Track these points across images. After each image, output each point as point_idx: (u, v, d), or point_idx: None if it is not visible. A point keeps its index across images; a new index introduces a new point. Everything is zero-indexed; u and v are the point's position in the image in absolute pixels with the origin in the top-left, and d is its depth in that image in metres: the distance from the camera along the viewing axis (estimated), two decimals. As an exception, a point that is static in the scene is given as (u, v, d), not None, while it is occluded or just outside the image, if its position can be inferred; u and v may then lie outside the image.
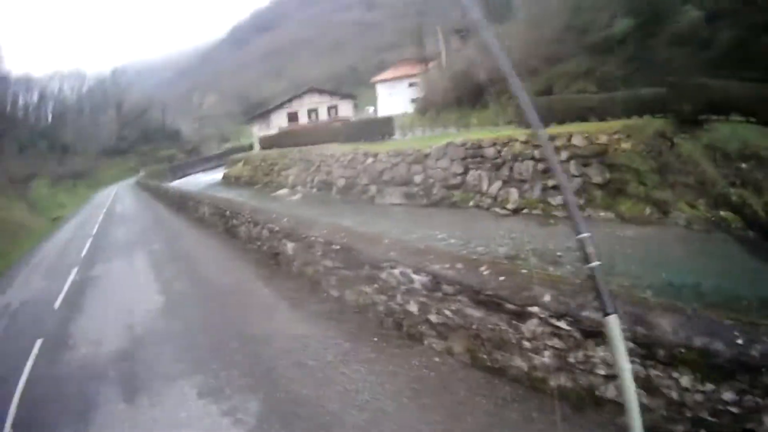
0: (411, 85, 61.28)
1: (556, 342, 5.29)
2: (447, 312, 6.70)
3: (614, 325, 2.98)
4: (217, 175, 67.00)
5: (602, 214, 21.97)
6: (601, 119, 25.65)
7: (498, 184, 26.25)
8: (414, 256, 7.56)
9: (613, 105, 26.33)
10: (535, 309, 5.44)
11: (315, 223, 11.69)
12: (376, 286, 8.30)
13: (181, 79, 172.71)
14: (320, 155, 41.21)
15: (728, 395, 4.04)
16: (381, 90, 67.25)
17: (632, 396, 2.93)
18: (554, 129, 24.95)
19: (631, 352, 4.12)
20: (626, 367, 2.96)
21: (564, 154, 23.51)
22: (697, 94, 22.79)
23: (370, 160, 34.25)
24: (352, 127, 46.00)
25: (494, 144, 26.85)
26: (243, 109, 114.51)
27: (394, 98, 62.60)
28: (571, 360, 5.17)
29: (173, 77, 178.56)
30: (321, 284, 10.41)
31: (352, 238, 9.43)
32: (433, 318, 6.97)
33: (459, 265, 6.69)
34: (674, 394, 4.36)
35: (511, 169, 25.72)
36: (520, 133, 25.98)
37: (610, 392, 4.84)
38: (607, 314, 3.00)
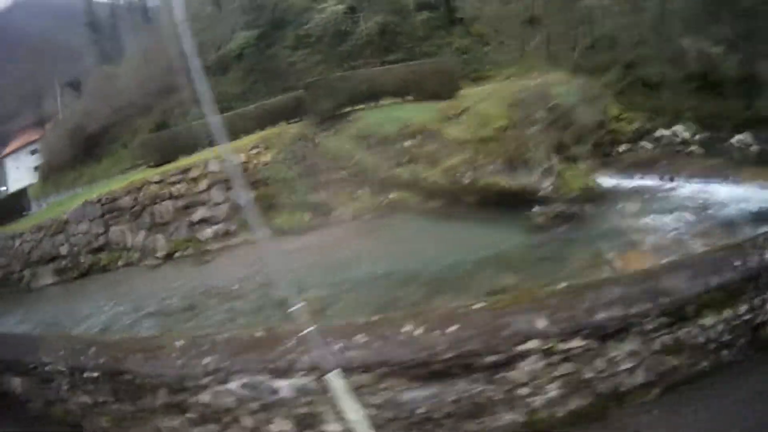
0: (33, 152, 57.67)
1: (566, 367, 4.34)
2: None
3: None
4: None
5: (258, 234, 19.84)
6: (233, 139, 24.67)
7: (142, 234, 23.84)
8: (245, 353, 5.29)
9: (245, 121, 25.95)
10: (530, 344, 4.31)
11: (35, 340, 8.25)
12: (190, 415, 5.62)
13: None
14: None
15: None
16: (9, 165, 62.67)
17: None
18: (187, 160, 24.12)
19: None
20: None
21: (203, 184, 22.45)
22: (337, 89, 23.29)
23: (17, 242, 30.05)
24: None
25: (128, 192, 24.43)
26: None
27: (20, 171, 58.31)
28: (589, 375, 4.39)
29: None
30: (85, 429, 7.02)
31: (113, 353, 6.52)
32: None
33: (359, 338, 4.79)
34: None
35: (152, 214, 23.57)
36: (152, 173, 24.41)
37: (633, 380, 4.40)
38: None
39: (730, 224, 15.69)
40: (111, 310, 18.76)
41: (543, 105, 22.87)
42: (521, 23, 33.27)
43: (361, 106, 23.99)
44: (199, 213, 22.20)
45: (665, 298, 4.36)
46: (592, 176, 20.59)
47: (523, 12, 33.62)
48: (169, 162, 26.05)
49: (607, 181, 20.92)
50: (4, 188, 61.44)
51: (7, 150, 64.07)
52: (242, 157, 22.25)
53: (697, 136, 26.23)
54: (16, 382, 8.04)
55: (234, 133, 25.01)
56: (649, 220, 16.83)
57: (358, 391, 4.40)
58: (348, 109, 23.46)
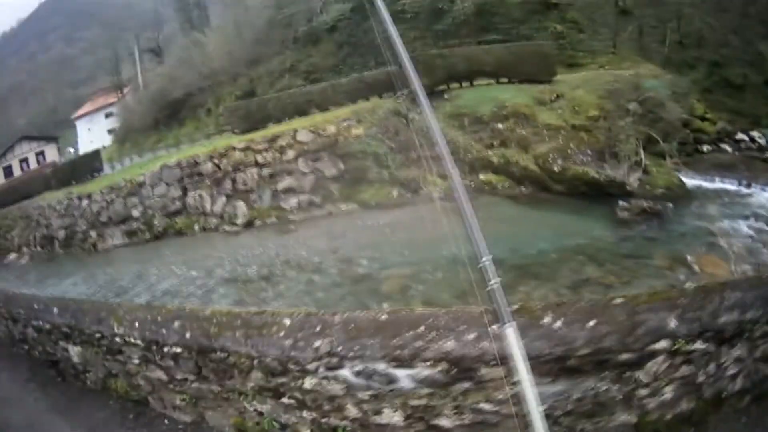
0: (108, 116, 57.94)
1: (684, 370, 4.32)
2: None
3: (512, 336, 3.58)
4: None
5: (343, 207, 20.83)
6: (323, 110, 24.82)
7: (222, 200, 23.40)
8: (364, 337, 4.73)
9: (337, 93, 25.63)
10: (660, 344, 4.16)
11: (106, 308, 7.40)
12: (286, 401, 5.32)
13: None
14: (37, 208, 36.34)
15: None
16: (80, 127, 63.46)
17: (534, 406, 3.48)
18: (273, 129, 23.83)
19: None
20: (526, 376, 3.51)
21: (291, 153, 22.03)
22: (434, 66, 22.93)
23: (85, 202, 29.81)
24: (62, 171, 41.77)
25: (211, 158, 23.99)
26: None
27: (93, 133, 59.10)
28: (701, 379, 4.40)
29: None
30: (151, 405, 6.93)
31: (204, 327, 5.84)
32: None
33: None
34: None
35: (234, 180, 23.20)
36: (237, 140, 23.92)
37: (733, 386, 4.49)
38: (504, 325, 3.63)
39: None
40: (183, 274, 18.22)
41: (635, 97, 22.41)
42: (614, 13, 33.02)
43: (456, 84, 23.71)
44: (285, 182, 21.84)
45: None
46: (677, 174, 20.13)
47: (615, 2, 33.41)
48: (255, 130, 25.67)
49: (690, 180, 20.43)
50: (72, 150, 62.35)
51: (80, 112, 64.76)
52: (333, 129, 21.83)
53: (774, 143, 25.77)
54: (74, 351, 7.93)
55: (325, 105, 25.24)
56: (725, 224, 16.22)
57: (486, 384, 4.28)
58: (443, 87, 23.05)
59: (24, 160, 61.62)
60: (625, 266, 12.77)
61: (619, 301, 4.23)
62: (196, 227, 23.96)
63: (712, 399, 4.34)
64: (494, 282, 3.88)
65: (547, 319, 4.18)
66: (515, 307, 4.22)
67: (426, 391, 4.38)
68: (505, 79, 24.08)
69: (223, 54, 34.02)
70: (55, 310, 8.22)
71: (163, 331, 6.09)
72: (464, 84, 24.12)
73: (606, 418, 4.31)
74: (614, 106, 22.12)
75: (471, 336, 4.18)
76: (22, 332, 9.68)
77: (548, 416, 3.91)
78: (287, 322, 5.07)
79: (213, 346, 5.51)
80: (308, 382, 4.88)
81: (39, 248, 34.14)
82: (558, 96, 22.82)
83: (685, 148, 22.86)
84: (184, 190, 24.81)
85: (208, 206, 23.81)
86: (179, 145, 35.10)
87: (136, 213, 26.47)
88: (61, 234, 31.48)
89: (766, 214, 17.69)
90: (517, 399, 3.93)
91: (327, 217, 20.22)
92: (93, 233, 28.59)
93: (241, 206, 22.66)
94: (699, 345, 4.12)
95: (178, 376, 6.22)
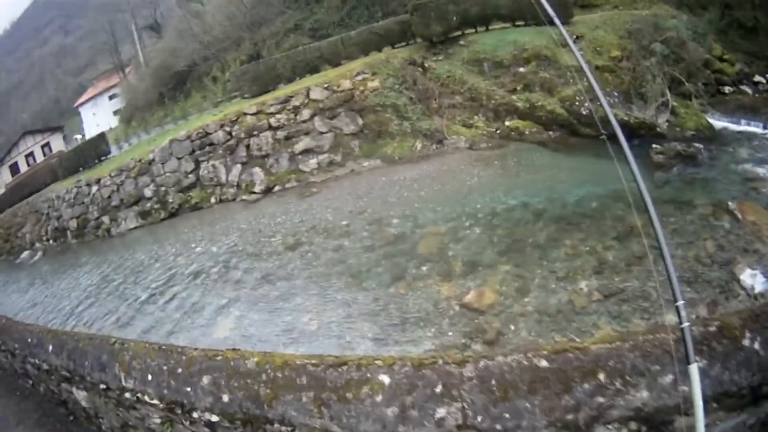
0: (112, 97, 58.03)
1: None
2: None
3: (695, 374, 3.05)
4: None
5: (366, 163, 20.20)
6: (335, 65, 24.24)
7: (237, 168, 22.67)
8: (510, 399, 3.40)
9: (347, 47, 25.02)
10: None
11: (107, 348, 5.87)
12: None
13: None
14: (47, 200, 35.96)
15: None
16: (85, 112, 63.46)
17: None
18: (284, 89, 23.21)
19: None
20: (701, 415, 2.98)
21: (306, 113, 21.31)
22: (447, 12, 22.38)
23: (94, 188, 29.11)
24: (68, 159, 40.93)
25: (222, 126, 23.22)
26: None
27: (98, 117, 59.07)
28: None
29: None
30: None
31: (255, 388, 4.25)
32: None
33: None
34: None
35: (248, 146, 22.45)
36: (248, 105, 23.13)
37: None
38: (689, 363, 3.07)
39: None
40: (203, 252, 17.61)
41: (657, 37, 21.77)
42: None
43: (472, 30, 22.95)
44: (303, 143, 21.18)
45: None
46: (704, 115, 19.70)
47: None
48: (266, 93, 24.96)
49: (716, 122, 19.82)
50: (79, 136, 61.89)
51: (82, 99, 64.73)
52: (348, 84, 21.15)
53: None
54: (81, 395, 6.57)
55: (336, 60, 24.64)
56: (761, 169, 15.73)
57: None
58: (458, 33, 22.40)
59: (30, 155, 61.57)
60: (667, 213, 12.38)
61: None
62: (213, 200, 23.30)
63: None
64: (686, 324, 3.13)
65: (746, 341, 3.34)
66: (713, 328, 3.43)
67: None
68: (521, 22, 23.14)
69: (223, 20, 33.62)
70: (50, 347, 7.01)
71: (188, 390, 4.56)
72: (480, 29, 23.32)
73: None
74: (637, 46, 21.59)
75: (667, 379, 3.24)
76: (21, 367, 8.55)
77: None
78: (386, 379, 3.64)
79: (267, 416, 3.97)
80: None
81: (52, 241, 34.00)
82: (578, 37, 21.85)
83: (708, 89, 22.16)
84: (197, 163, 24.02)
85: (223, 176, 23.13)
86: (187, 117, 34.50)
87: (148, 192, 25.80)
88: (73, 224, 31.12)
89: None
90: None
91: (350, 175, 19.61)
92: (105, 218, 28.02)
93: (257, 173, 21.96)
94: None
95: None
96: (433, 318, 10.10)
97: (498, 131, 19.84)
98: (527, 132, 19.63)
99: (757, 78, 25.34)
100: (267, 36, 33.62)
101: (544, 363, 3.36)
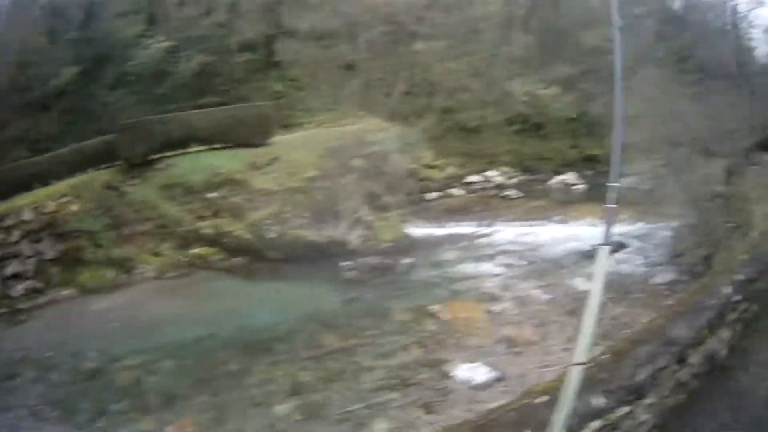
0: None
1: None
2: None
3: (603, 254, 3.64)
4: None
5: (64, 292, 19.38)
6: (45, 184, 22.98)
7: None
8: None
9: (60, 166, 24.10)
10: None
11: None
12: None
13: None
14: None
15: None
16: None
17: (591, 321, 3.39)
18: (1, 206, 21.83)
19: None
20: (598, 295, 3.46)
21: (16, 234, 20.42)
22: (150, 133, 22.52)
23: None
24: None
25: None
26: None
27: None
28: None
29: None
30: None
31: None
32: None
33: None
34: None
35: None
36: None
37: None
38: (602, 245, 3.65)
39: (558, 264, 16.83)
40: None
41: (359, 153, 23.51)
42: (339, 68, 33.21)
43: (174, 152, 23.27)
44: (12, 267, 19.77)
45: None
46: (404, 226, 21.13)
47: (340, 57, 33.56)
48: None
49: (419, 230, 21.31)
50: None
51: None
52: (53, 206, 20.89)
53: (514, 180, 27.82)
54: None
55: (47, 179, 23.36)
56: (469, 267, 17.40)
57: None
58: (159, 155, 22.66)
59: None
60: (365, 326, 13.26)
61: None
62: None
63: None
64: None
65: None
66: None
67: None
68: (219, 145, 23.88)
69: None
70: None
71: None
72: (181, 152, 23.43)
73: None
74: (336, 163, 22.59)
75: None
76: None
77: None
78: None
79: None
80: None
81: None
82: (273, 159, 22.88)
83: (412, 198, 23.64)
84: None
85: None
86: None
87: None
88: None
89: (515, 249, 18.80)
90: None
91: (51, 304, 18.84)
92: None
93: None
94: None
95: None
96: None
97: (186, 259, 20.18)
98: (214, 259, 20.14)
99: (471, 178, 27.86)
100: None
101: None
